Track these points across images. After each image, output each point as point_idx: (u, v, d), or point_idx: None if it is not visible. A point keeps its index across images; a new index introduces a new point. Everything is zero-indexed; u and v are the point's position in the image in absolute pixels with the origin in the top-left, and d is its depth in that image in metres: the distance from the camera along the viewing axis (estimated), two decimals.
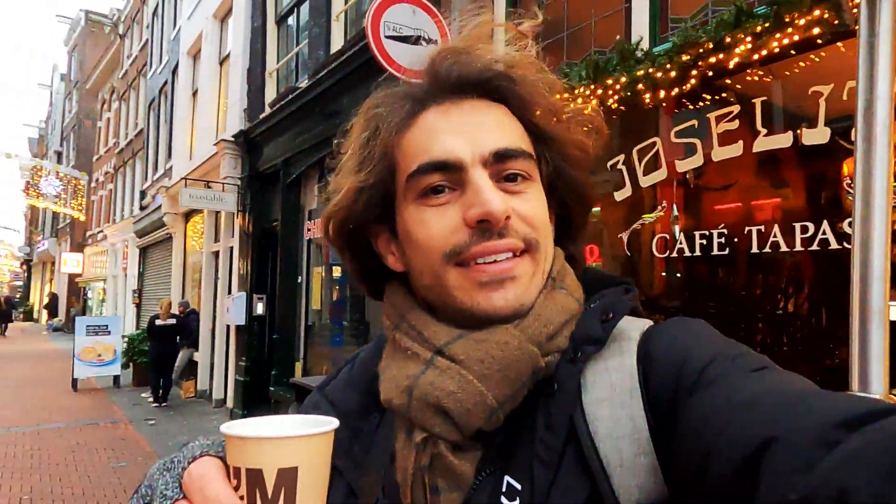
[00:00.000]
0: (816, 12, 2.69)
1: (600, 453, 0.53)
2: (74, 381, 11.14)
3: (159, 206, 13.93)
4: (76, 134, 30.32)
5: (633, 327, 0.61)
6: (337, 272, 7.91)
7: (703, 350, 0.54)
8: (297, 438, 0.42)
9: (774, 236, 2.98)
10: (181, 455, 0.47)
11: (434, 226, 0.61)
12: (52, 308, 29.99)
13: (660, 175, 3.54)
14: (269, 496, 0.40)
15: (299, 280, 8.45)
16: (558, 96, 0.68)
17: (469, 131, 0.61)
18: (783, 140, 2.96)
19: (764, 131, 3.03)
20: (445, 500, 0.57)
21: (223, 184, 9.76)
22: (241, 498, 0.41)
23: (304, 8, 8.58)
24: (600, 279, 0.68)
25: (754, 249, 3.07)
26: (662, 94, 3.39)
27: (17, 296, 48.16)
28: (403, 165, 0.63)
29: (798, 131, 2.90)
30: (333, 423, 0.45)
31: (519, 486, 0.55)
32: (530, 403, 0.58)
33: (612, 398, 0.55)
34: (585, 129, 0.68)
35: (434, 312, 0.63)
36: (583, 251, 0.74)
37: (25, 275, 46.41)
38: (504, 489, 0.55)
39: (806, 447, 0.38)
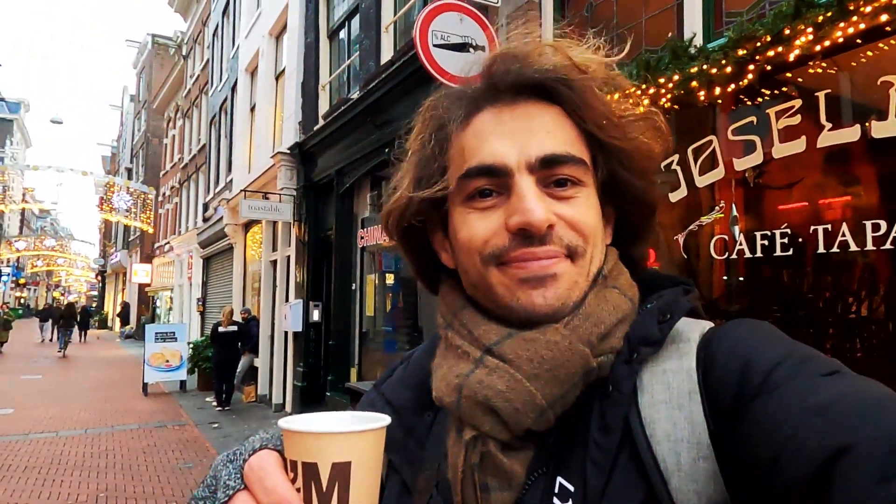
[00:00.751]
0: None
1: (657, 457, 0.52)
2: (145, 386, 11.72)
3: (220, 218, 14.52)
4: (144, 151, 32.05)
5: (692, 329, 0.59)
6: (390, 279, 8.02)
7: (769, 352, 0.52)
8: (350, 434, 0.43)
9: (843, 235, 2.83)
10: (243, 448, 0.49)
11: (477, 228, 0.61)
12: (124, 316, 31.67)
13: (717, 174, 3.42)
14: (324, 489, 0.42)
15: (353, 287, 8.61)
16: (619, 97, 0.66)
17: (518, 135, 0.61)
18: (850, 134, 2.81)
19: (829, 125, 2.88)
20: (496, 498, 0.57)
21: (280, 195, 10.09)
22: (298, 490, 0.43)
23: (355, 21, 8.79)
24: (659, 280, 0.67)
25: (821, 249, 2.93)
26: (718, 90, 3.28)
27: (94, 305, 51.12)
28: (455, 167, 0.64)
29: (867, 124, 2.75)
30: (385, 419, 0.46)
31: (571, 488, 0.54)
32: (585, 404, 0.58)
33: (670, 400, 0.54)
34: (647, 132, 0.65)
35: (485, 311, 0.63)
36: (644, 252, 0.71)
37: (100, 285, 49.23)
38: (557, 490, 0.55)
39: (883, 457, 0.36)
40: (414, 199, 0.66)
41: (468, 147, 0.63)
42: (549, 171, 0.60)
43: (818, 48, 2.86)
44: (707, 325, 0.61)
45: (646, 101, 0.73)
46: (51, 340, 25.06)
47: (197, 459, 6.94)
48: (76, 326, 24.11)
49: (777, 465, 0.42)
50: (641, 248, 0.71)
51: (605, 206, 0.66)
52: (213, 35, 18.29)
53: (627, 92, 0.67)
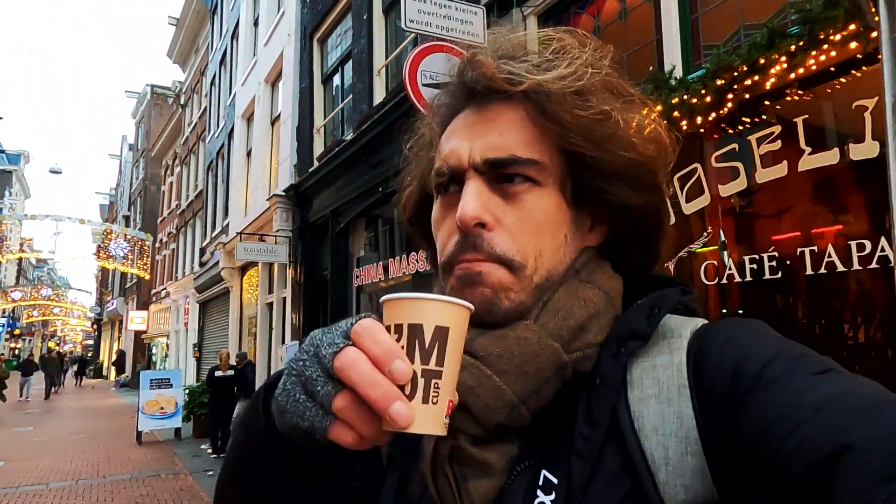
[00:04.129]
0: (852, 27, 2.65)
1: (645, 450, 0.52)
2: (139, 434, 11.48)
3: (217, 262, 14.54)
4: (142, 198, 32.32)
5: (684, 325, 0.59)
6: None
7: (763, 348, 0.52)
8: (452, 304, 0.50)
9: (829, 256, 2.86)
10: (341, 322, 0.51)
11: (442, 230, 0.64)
12: (119, 364, 31.31)
13: (703, 201, 3.47)
14: (427, 347, 0.48)
15: None
16: (612, 98, 0.63)
17: (474, 136, 0.62)
18: (829, 157, 2.87)
19: (808, 150, 2.95)
20: (475, 488, 0.57)
21: (276, 237, 10.14)
22: (402, 348, 0.48)
23: (348, 66, 9.02)
24: (659, 280, 0.67)
25: (809, 271, 2.95)
26: (699, 119, 3.37)
27: (89, 354, 50.57)
28: (434, 164, 0.68)
29: (845, 147, 2.82)
30: (471, 305, 0.52)
31: (556, 480, 0.54)
32: (572, 398, 0.58)
33: (660, 395, 0.54)
34: (639, 139, 0.62)
35: None
36: (647, 258, 0.69)
37: (96, 334, 48.85)
38: (541, 482, 0.55)
39: (885, 457, 0.36)
40: (410, 199, 0.71)
41: (441, 147, 0.66)
42: (498, 172, 0.61)
43: (793, 76, 2.95)
44: (700, 321, 0.61)
45: (657, 110, 0.72)
46: (27, 399, 21.68)
47: None
48: (70, 373, 23.62)
49: (774, 463, 0.42)
50: (641, 254, 0.68)
51: (581, 209, 0.64)
52: (211, 84, 18.72)
53: (623, 91, 0.65)
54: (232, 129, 15.16)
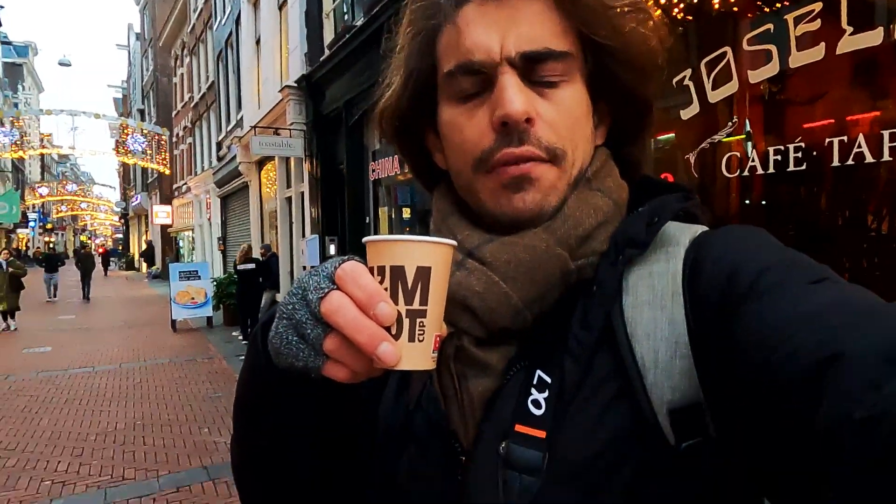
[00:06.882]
0: None
1: (636, 354, 0.54)
2: (173, 323, 12.15)
3: (234, 157, 14.51)
4: (154, 91, 31.75)
5: (683, 233, 0.60)
6: (406, 213, 8.03)
7: (757, 257, 0.52)
8: (432, 244, 0.50)
9: (859, 146, 2.73)
10: (326, 264, 0.52)
11: (465, 131, 0.62)
12: (148, 257, 32.46)
13: (731, 88, 3.28)
14: (409, 288, 0.49)
15: (367, 221, 8.66)
16: None
17: (501, 28, 0.59)
18: (872, 38, 2.65)
19: (849, 30, 2.72)
20: (474, 386, 0.60)
21: (290, 130, 9.99)
22: (385, 289, 0.49)
23: None
24: (659, 186, 0.67)
25: (835, 162, 2.83)
26: None
27: (120, 247, 52.34)
28: (442, 62, 0.63)
29: (891, 27, 2.59)
30: (454, 242, 0.52)
31: (549, 380, 0.57)
32: (569, 304, 0.59)
33: (653, 301, 0.55)
34: (642, 25, 0.62)
35: (473, 217, 0.65)
36: (641, 154, 0.70)
37: (124, 228, 50.23)
38: (535, 381, 0.57)
39: (874, 365, 0.36)
40: (404, 97, 0.67)
41: (453, 41, 0.61)
42: (532, 66, 0.59)
43: None
44: (699, 229, 0.61)
45: (657, 13, 0.67)
46: (54, 299, 19.16)
47: (226, 389, 7.27)
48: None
49: (764, 372, 0.42)
50: (637, 148, 0.69)
51: (596, 104, 0.64)
52: None
53: None
54: (239, 15, 14.47)
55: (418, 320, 0.49)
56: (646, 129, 0.69)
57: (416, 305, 0.49)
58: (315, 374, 0.50)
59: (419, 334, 0.49)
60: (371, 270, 0.50)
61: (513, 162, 0.59)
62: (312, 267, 0.53)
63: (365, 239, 0.51)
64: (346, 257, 0.52)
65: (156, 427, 5.84)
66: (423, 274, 0.49)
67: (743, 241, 0.56)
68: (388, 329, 0.47)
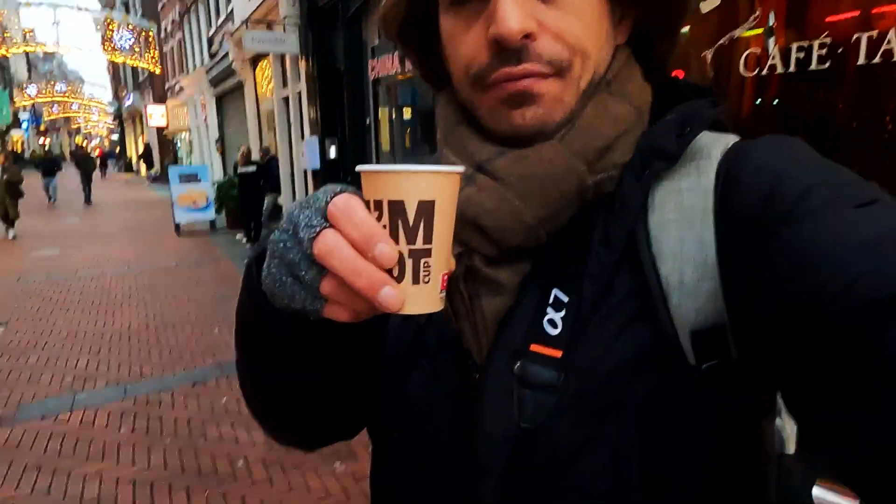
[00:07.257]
0: None
1: (661, 274, 0.51)
2: (177, 226, 12.21)
3: (227, 54, 13.89)
4: None
5: (714, 144, 0.55)
6: (407, 114, 7.79)
7: (800, 173, 0.48)
8: (436, 174, 0.44)
9: (889, 42, 2.57)
10: (318, 194, 0.48)
11: (461, 45, 0.57)
12: (147, 159, 32.04)
13: None
14: (411, 225, 0.44)
15: (367, 122, 8.43)
16: None
17: None
18: None
19: None
20: (487, 305, 0.58)
21: (283, 24, 9.48)
22: (384, 227, 0.44)
23: None
24: (685, 89, 0.61)
25: (861, 60, 2.69)
26: None
27: (117, 149, 51.60)
28: None
29: None
30: (461, 168, 0.47)
31: (566, 299, 0.55)
32: (589, 219, 0.56)
33: (681, 220, 0.52)
34: None
35: (480, 130, 0.61)
36: (668, 51, 0.64)
37: (119, 129, 49.19)
38: (551, 300, 0.55)
39: None
40: (400, 3, 0.61)
41: None
42: None
43: None
44: (732, 139, 0.56)
45: None
46: (54, 202, 18.79)
47: (234, 291, 7.20)
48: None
49: (817, 299, 0.39)
50: (664, 46, 0.63)
51: (615, 1, 0.58)
52: None
53: None
54: None
55: (423, 261, 0.44)
56: (681, 18, 0.61)
57: (419, 245, 0.44)
58: (314, 317, 0.48)
59: (424, 276, 0.45)
60: (367, 205, 0.45)
61: (511, 80, 0.54)
62: (305, 199, 0.49)
63: (358, 168, 0.46)
64: (339, 187, 0.47)
65: (168, 327, 6.04)
66: (426, 209, 0.44)
67: (783, 154, 0.52)
68: (388, 271, 0.44)
